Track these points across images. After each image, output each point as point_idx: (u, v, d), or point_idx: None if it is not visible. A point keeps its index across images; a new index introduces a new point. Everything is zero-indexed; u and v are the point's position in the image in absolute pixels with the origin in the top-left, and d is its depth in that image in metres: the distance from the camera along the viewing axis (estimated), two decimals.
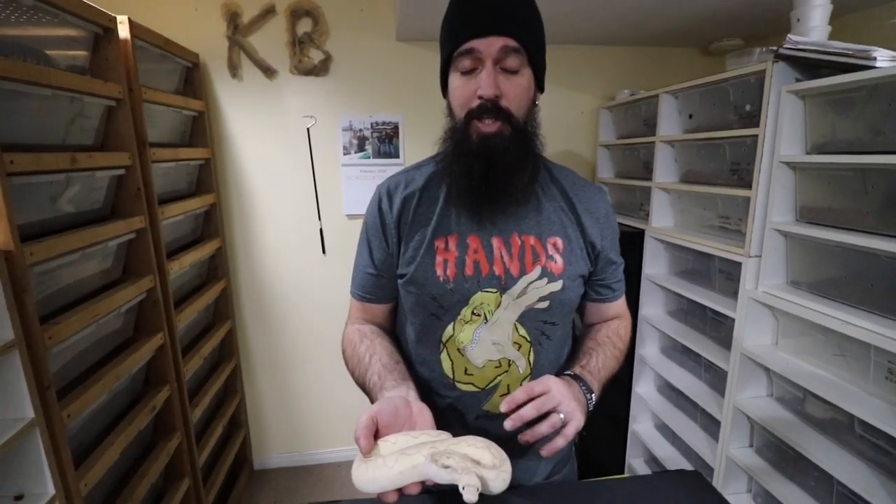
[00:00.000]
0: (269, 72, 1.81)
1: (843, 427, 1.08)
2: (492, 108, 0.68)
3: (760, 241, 1.22)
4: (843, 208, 1.06)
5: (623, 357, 0.82)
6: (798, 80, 1.12)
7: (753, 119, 1.24)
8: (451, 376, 0.78)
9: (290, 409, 2.15)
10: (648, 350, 1.80)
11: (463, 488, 0.49)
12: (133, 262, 1.33)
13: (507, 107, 0.69)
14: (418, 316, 0.78)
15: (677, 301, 1.69)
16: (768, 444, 1.28)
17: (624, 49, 2.04)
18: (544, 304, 0.75)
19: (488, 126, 0.69)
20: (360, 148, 1.92)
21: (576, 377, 0.71)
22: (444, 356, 0.78)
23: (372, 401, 0.71)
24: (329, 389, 2.13)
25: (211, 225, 1.84)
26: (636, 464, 1.88)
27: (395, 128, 1.92)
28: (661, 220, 1.67)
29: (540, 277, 0.74)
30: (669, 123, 1.57)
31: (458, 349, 0.76)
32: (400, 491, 0.54)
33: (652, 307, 1.77)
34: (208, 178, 1.79)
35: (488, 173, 0.70)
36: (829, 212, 1.09)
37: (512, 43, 0.67)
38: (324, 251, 1.98)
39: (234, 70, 1.79)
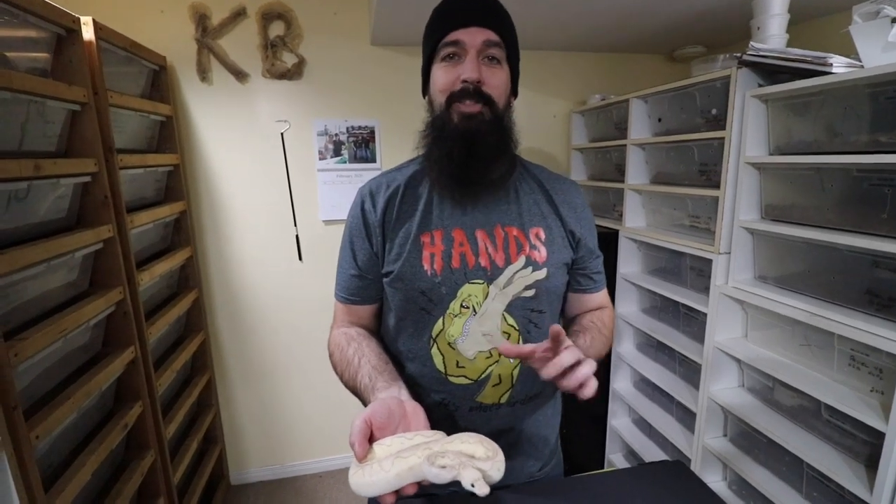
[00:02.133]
0: (240, 75, 1.77)
1: (810, 413, 1.14)
2: (474, 91, 0.71)
3: (729, 238, 1.28)
4: (805, 206, 1.12)
5: (609, 343, 0.84)
6: (761, 85, 1.18)
7: (720, 122, 1.30)
8: (443, 371, 0.78)
9: (268, 421, 2.09)
10: (624, 347, 1.85)
11: (472, 485, 0.49)
12: (101, 274, 1.27)
13: (488, 93, 0.72)
14: (408, 313, 0.79)
15: (651, 298, 1.74)
16: (741, 433, 1.34)
17: (594, 55, 2.10)
18: (530, 293, 0.77)
19: (470, 107, 0.72)
20: (336, 153, 1.90)
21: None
22: (434, 351, 0.79)
23: (364, 402, 0.71)
24: (307, 399, 2.09)
25: (181, 233, 1.77)
26: (615, 458, 1.93)
27: (372, 132, 1.91)
28: (634, 220, 1.73)
29: (525, 266, 0.77)
30: (640, 127, 1.63)
31: (449, 343, 0.77)
32: (397, 493, 0.54)
33: (627, 305, 1.82)
34: (178, 185, 1.73)
35: (468, 155, 0.73)
36: (793, 209, 1.16)
37: (494, 37, 0.72)
38: (300, 258, 1.95)
39: (203, 74, 1.74)
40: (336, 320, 0.88)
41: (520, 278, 0.77)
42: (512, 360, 0.79)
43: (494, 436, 0.76)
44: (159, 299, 1.66)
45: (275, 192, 1.88)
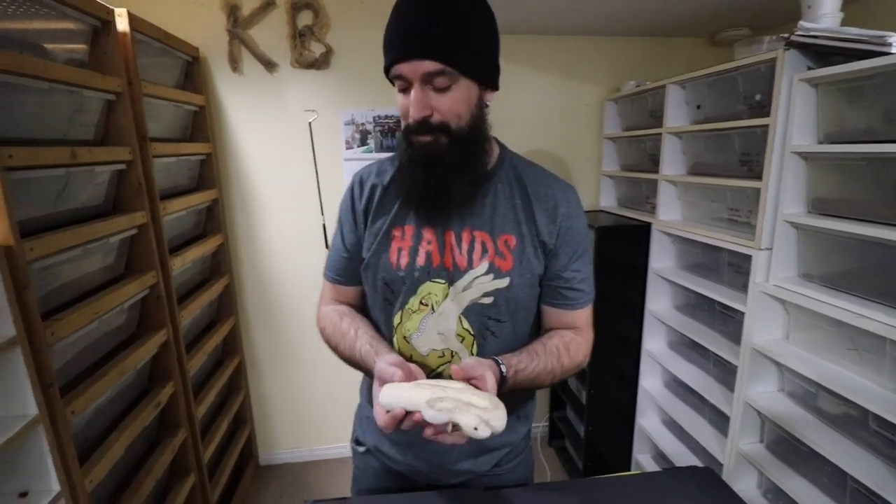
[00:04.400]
0: (269, 65, 1.79)
1: (856, 422, 1.06)
2: (423, 125, 0.70)
3: (771, 233, 1.20)
4: (857, 199, 1.04)
5: (563, 374, 0.78)
6: (810, 69, 1.09)
7: (763, 109, 1.21)
8: None
9: (295, 405, 2.15)
10: (655, 345, 1.78)
11: (475, 428, 0.59)
12: (135, 258, 1.32)
13: (440, 121, 0.70)
14: (375, 301, 0.83)
15: (685, 295, 1.67)
16: (779, 440, 1.27)
17: (629, 40, 2.01)
18: (489, 300, 0.76)
19: (423, 137, 0.71)
20: (363, 142, 1.90)
21: (498, 363, 0.71)
22: (395, 340, 0.81)
23: (364, 369, 0.79)
24: (333, 385, 2.13)
25: (213, 220, 1.83)
26: (643, 459, 1.87)
27: (398, 121, 1.90)
28: (668, 213, 1.65)
29: (486, 273, 0.76)
30: (677, 114, 1.54)
31: (405, 337, 0.79)
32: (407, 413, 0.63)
33: (659, 301, 1.75)
34: (210, 174, 1.78)
35: (427, 180, 0.73)
36: (842, 203, 1.07)
37: (435, 66, 0.66)
38: (327, 246, 1.97)
39: (234, 64, 1.77)
40: (323, 298, 0.91)
41: (479, 284, 0.76)
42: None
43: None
44: (192, 284, 1.72)
45: (302, 181, 1.91)
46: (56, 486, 0.94)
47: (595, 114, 2.06)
